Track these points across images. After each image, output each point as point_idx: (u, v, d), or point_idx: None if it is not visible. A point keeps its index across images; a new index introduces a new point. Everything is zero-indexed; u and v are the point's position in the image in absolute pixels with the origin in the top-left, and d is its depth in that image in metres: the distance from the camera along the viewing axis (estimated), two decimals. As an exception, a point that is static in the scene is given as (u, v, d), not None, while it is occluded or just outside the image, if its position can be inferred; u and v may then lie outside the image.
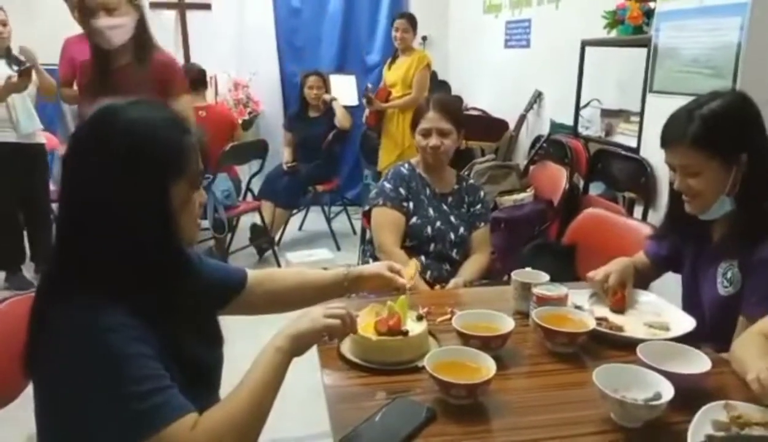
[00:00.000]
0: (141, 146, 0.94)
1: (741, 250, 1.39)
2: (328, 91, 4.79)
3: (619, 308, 1.52)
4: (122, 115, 0.97)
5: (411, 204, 2.16)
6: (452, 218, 2.18)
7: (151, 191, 0.95)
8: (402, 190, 2.16)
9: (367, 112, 4.81)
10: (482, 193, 2.28)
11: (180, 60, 4.71)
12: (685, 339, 1.30)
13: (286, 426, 2.05)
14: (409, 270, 1.48)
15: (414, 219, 2.14)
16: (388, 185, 2.18)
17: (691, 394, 1.10)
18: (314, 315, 1.10)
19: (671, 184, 1.50)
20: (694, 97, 1.45)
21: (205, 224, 3.74)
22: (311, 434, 2.21)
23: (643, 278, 1.66)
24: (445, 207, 2.20)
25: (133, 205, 0.94)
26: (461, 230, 2.17)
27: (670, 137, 1.42)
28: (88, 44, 2.45)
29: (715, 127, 1.36)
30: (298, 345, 1.05)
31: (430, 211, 2.16)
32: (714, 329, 1.41)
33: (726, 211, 1.42)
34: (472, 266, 2.14)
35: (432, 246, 2.13)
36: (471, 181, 2.34)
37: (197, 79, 4.08)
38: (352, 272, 1.42)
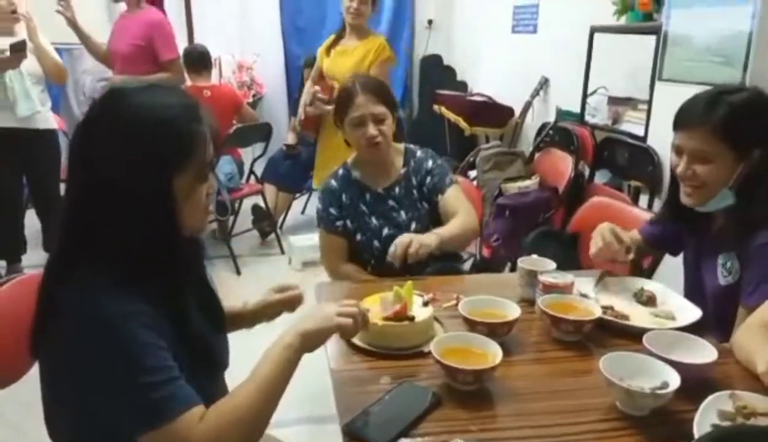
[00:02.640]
0: (145, 131, 0.94)
1: (739, 241, 1.38)
2: None
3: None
4: (132, 98, 0.96)
5: (348, 222, 1.92)
6: (402, 215, 1.89)
7: (155, 178, 0.94)
8: (333, 211, 1.92)
9: (301, 112, 3.62)
10: (430, 162, 1.94)
11: (184, 42, 4.70)
12: (690, 329, 1.30)
13: (292, 410, 2.06)
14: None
15: (358, 236, 1.92)
16: (319, 206, 1.96)
17: (697, 383, 1.10)
18: (326, 313, 1.09)
19: (672, 172, 1.47)
20: (703, 86, 1.43)
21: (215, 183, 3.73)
22: (317, 417, 2.22)
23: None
24: (391, 203, 1.92)
25: (137, 189, 0.93)
26: (414, 225, 1.88)
27: (689, 120, 1.37)
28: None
29: (743, 117, 1.33)
30: (308, 343, 1.04)
31: (374, 220, 1.91)
32: (716, 319, 1.41)
33: (727, 204, 1.40)
34: (448, 227, 1.79)
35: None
36: (418, 153, 1.98)
37: (202, 60, 4.06)
38: (247, 307, 1.36)
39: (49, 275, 0.97)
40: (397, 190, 1.93)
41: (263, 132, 4.20)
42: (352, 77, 1.98)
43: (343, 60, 3.26)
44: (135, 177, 0.92)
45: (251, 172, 4.38)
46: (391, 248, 1.66)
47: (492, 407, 1.10)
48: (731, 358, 1.26)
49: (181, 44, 4.13)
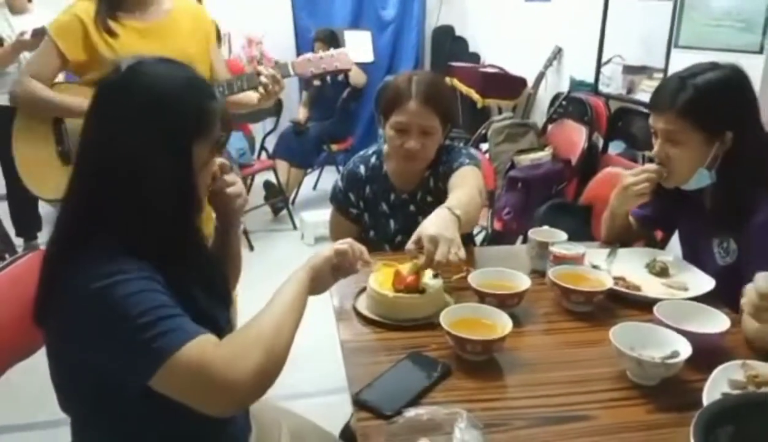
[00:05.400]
0: (169, 100, 0.96)
1: (732, 221, 1.38)
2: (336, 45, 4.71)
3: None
4: (151, 69, 0.98)
5: (366, 216, 1.82)
6: (420, 221, 1.45)
7: (177, 145, 0.96)
8: (351, 196, 1.81)
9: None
10: (455, 165, 1.69)
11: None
12: (704, 299, 1.29)
13: (302, 382, 2.10)
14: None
15: (371, 233, 1.83)
16: (339, 184, 1.84)
17: (708, 353, 1.09)
18: (324, 248, 1.17)
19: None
20: (722, 52, 1.41)
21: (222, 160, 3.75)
22: (327, 389, 2.25)
23: (630, 235, 1.69)
24: (412, 209, 1.77)
25: (157, 158, 0.94)
26: None
27: (659, 102, 1.41)
28: None
29: (706, 100, 1.35)
30: (314, 274, 1.10)
31: (391, 223, 1.80)
32: (721, 296, 1.39)
33: (707, 184, 1.41)
34: (459, 199, 1.47)
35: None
36: (446, 165, 1.72)
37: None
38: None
39: (55, 244, 0.97)
40: (419, 194, 1.77)
41: (273, 107, 4.19)
42: (411, 73, 1.70)
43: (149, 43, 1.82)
44: (158, 144, 0.94)
45: (262, 147, 4.39)
46: (409, 247, 1.32)
47: (501, 377, 1.11)
48: (744, 328, 1.25)
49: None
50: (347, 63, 2.01)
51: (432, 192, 1.74)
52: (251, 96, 1.97)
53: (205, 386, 0.86)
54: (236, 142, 3.96)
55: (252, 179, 4.26)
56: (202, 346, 0.87)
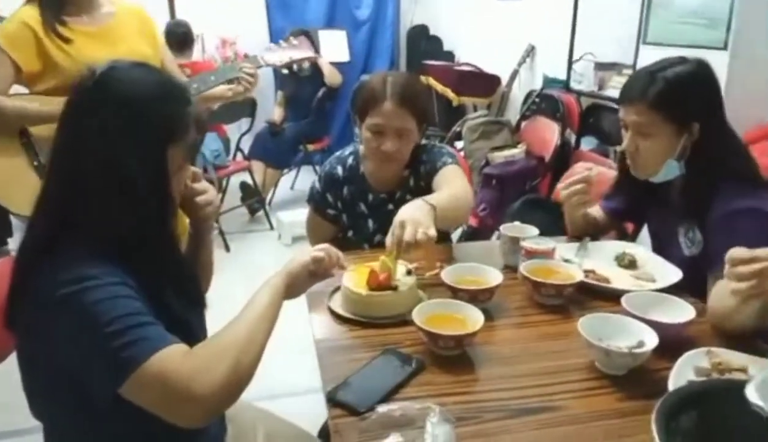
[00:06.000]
0: (144, 105, 0.96)
1: (696, 211, 1.42)
2: (315, 49, 4.70)
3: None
4: (126, 74, 0.97)
5: (345, 217, 1.82)
6: None
7: (151, 150, 0.95)
8: (329, 197, 1.81)
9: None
10: (438, 165, 1.70)
11: (166, 17, 4.62)
12: (672, 290, 1.32)
13: (279, 382, 2.09)
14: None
15: (349, 233, 1.84)
16: (317, 185, 1.84)
17: (675, 342, 1.12)
18: (301, 253, 1.18)
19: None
20: (688, 48, 1.44)
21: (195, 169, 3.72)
22: (305, 388, 2.25)
23: (597, 228, 1.72)
24: (391, 208, 1.72)
25: (131, 163, 0.94)
26: None
27: (629, 95, 1.44)
28: None
29: (677, 92, 1.38)
30: (289, 280, 1.10)
31: (370, 223, 1.80)
32: (688, 287, 1.42)
33: (676, 175, 1.45)
34: (439, 196, 1.49)
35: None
36: (428, 164, 1.72)
37: (183, 38, 4.00)
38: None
39: (26, 249, 0.96)
40: (398, 194, 1.76)
41: (248, 108, 4.17)
42: (386, 74, 1.69)
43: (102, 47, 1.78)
44: (132, 147, 0.94)
45: (238, 148, 4.36)
46: (389, 240, 1.32)
47: (473, 371, 1.12)
48: (710, 317, 1.28)
49: (163, 20, 4.07)
50: (308, 50, 2.08)
51: (413, 192, 1.73)
52: (224, 90, 1.99)
53: (171, 398, 0.86)
54: (211, 143, 3.93)
55: (228, 180, 4.23)
56: (170, 356, 0.87)
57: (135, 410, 0.89)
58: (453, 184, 1.59)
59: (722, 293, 1.19)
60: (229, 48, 5.16)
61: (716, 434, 0.75)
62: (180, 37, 3.97)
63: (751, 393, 0.66)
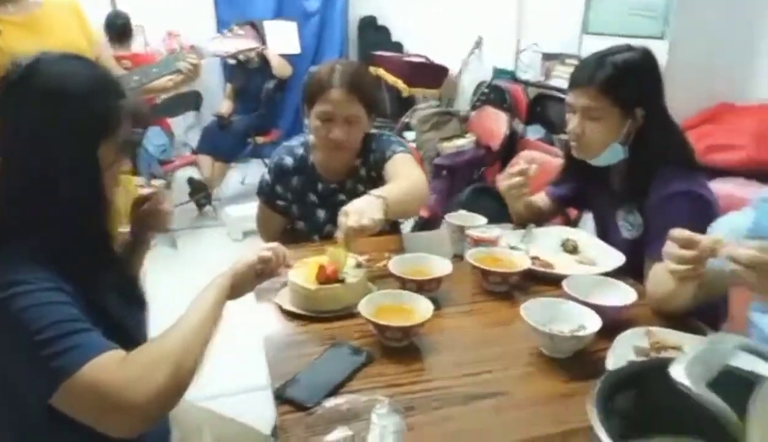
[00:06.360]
0: (74, 99, 0.91)
1: (636, 195, 1.47)
2: (262, 41, 4.62)
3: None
4: (55, 66, 0.93)
5: (295, 207, 1.80)
6: None
7: (82, 146, 0.92)
8: (279, 189, 1.79)
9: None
10: (388, 154, 1.70)
11: (106, 8, 4.45)
12: (613, 273, 1.36)
13: (223, 381, 2.04)
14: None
15: (299, 224, 1.82)
16: (266, 178, 1.82)
17: (616, 324, 1.15)
18: (248, 252, 1.16)
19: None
20: (628, 38, 1.49)
21: (141, 180, 3.61)
22: (252, 387, 2.22)
23: (542, 216, 1.76)
24: (342, 198, 1.72)
25: (61, 159, 0.90)
26: None
27: (579, 79, 1.47)
28: None
29: (624, 77, 1.42)
30: (235, 281, 1.09)
31: (320, 213, 1.79)
32: (628, 269, 1.46)
33: (619, 159, 1.49)
34: (391, 188, 1.49)
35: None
36: (378, 153, 1.72)
37: (122, 29, 3.86)
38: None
39: None
40: (349, 184, 1.75)
41: (192, 101, 4.07)
42: (334, 62, 1.68)
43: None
44: (63, 144, 0.90)
45: (184, 143, 4.26)
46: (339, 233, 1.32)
47: (422, 360, 1.12)
48: (649, 298, 1.32)
49: (103, 10, 3.92)
50: (253, 40, 2.07)
51: (363, 181, 1.74)
52: (165, 81, 1.95)
53: (104, 408, 0.83)
54: (155, 138, 3.82)
55: (174, 176, 4.13)
56: (104, 365, 0.83)
57: (71, 420, 0.85)
58: (404, 174, 1.59)
59: (660, 275, 1.23)
60: (175, 40, 5.02)
61: (653, 413, 0.77)
62: (119, 29, 3.84)
63: (676, 372, 0.67)
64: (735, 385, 0.67)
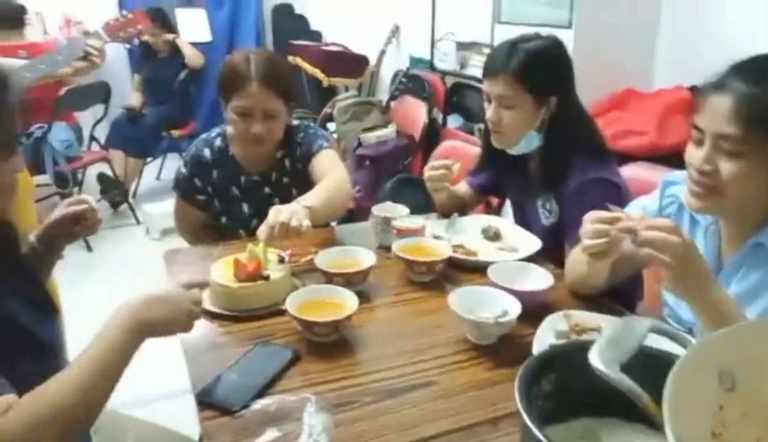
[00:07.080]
0: None
1: (552, 183, 1.52)
2: (171, 29, 4.42)
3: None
4: None
5: (216, 202, 1.75)
6: (277, 203, 1.47)
7: None
8: (198, 182, 1.73)
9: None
10: (315, 148, 1.68)
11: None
12: (534, 259, 1.40)
13: (141, 387, 1.93)
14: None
15: (223, 220, 1.77)
16: (183, 170, 1.75)
17: (537, 308, 1.19)
18: (179, 305, 0.96)
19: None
20: (537, 27, 1.52)
21: (46, 178, 3.38)
22: (176, 391, 2.13)
23: (465, 205, 1.79)
24: (267, 190, 1.72)
25: None
26: None
27: (493, 67, 1.49)
28: None
29: (536, 64, 1.45)
30: (152, 331, 0.92)
31: (245, 207, 1.74)
32: (547, 253, 1.52)
33: (535, 147, 1.53)
34: (315, 194, 1.49)
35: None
36: (303, 147, 1.70)
37: (14, 15, 3.56)
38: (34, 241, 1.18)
39: None
40: (274, 176, 1.72)
41: (100, 93, 3.83)
42: (248, 52, 1.63)
43: None
44: None
45: (92, 138, 4.01)
46: (262, 228, 1.29)
47: (350, 355, 1.11)
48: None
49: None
50: (146, 21, 2.07)
51: (289, 174, 1.71)
52: (68, 68, 1.86)
53: None
54: (60, 133, 3.55)
55: (84, 173, 3.88)
56: None
57: None
58: (329, 175, 1.58)
59: (577, 258, 1.28)
60: (75, 28, 4.71)
61: (573, 394, 0.80)
62: (11, 15, 3.53)
63: (594, 358, 0.70)
64: (653, 364, 0.70)
